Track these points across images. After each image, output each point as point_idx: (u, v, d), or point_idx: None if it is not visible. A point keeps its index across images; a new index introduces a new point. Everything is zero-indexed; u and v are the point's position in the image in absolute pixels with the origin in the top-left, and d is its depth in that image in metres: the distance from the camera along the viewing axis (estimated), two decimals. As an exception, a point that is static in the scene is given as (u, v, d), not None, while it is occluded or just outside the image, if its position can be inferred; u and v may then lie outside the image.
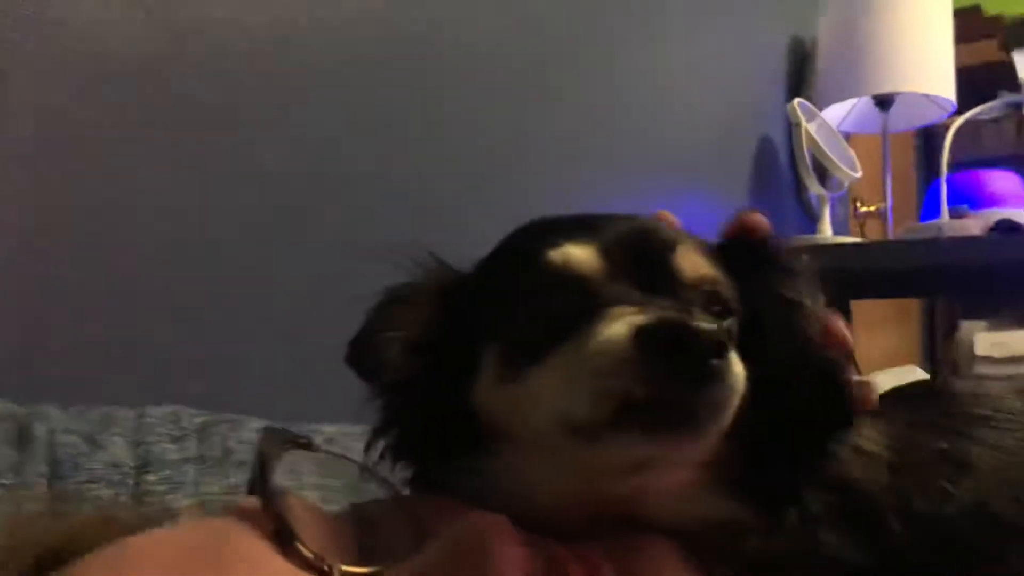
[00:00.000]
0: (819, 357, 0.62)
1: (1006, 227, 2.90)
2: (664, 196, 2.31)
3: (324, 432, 1.06)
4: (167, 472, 1.03)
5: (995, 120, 4.20)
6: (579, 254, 0.59)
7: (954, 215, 2.96)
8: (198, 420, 1.08)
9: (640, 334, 0.51)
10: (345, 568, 0.51)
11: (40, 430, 0.99)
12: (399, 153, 1.54)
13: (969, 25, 3.72)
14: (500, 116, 1.73)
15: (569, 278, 0.58)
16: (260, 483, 0.55)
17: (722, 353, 0.51)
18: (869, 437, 0.63)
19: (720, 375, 0.51)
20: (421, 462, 0.67)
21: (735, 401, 0.53)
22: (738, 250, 0.65)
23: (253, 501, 0.55)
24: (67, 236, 1.12)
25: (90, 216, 1.13)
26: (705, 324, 0.50)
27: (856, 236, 3.27)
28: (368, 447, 0.67)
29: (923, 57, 2.93)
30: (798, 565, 0.58)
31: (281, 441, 0.61)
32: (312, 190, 1.40)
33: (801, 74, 3.29)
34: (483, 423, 0.61)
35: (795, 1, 3.36)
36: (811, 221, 3.20)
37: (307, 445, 0.65)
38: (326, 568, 0.51)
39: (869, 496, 0.60)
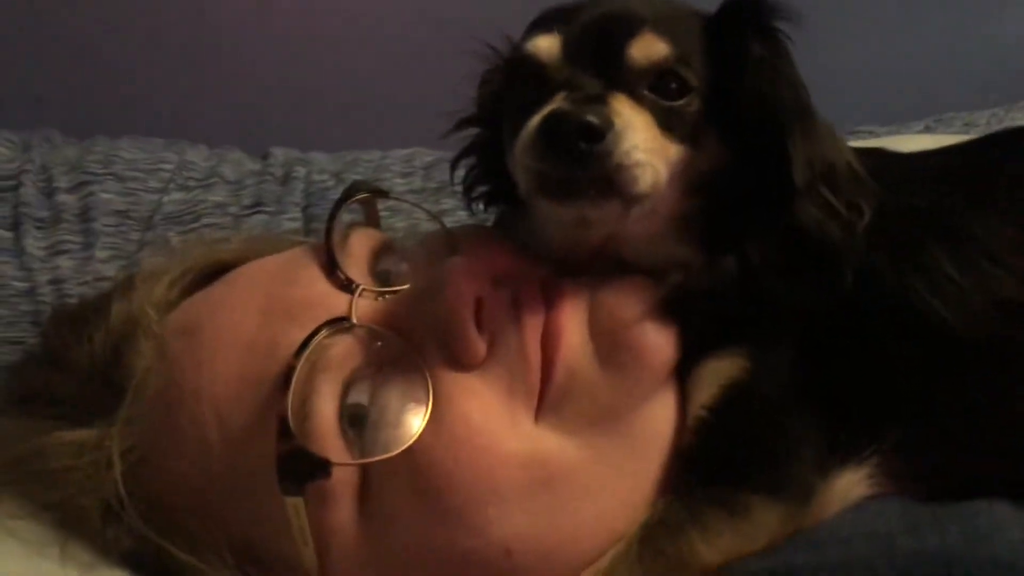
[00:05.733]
0: (784, 118, 0.64)
1: None
2: None
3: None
4: (391, 202, 1.22)
5: None
6: (543, 44, 0.65)
7: None
8: (428, 159, 1.28)
9: (540, 123, 0.59)
10: (365, 287, 0.67)
11: (300, 172, 1.23)
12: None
13: None
14: None
15: (534, 67, 0.65)
16: (328, 221, 0.71)
17: (594, 137, 0.58)
18: (850, 193, 0.65)
19: (595, 156, 0.58)
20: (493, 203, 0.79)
21: (636, 172, 0.59)
22: (728, 18, 0.67)
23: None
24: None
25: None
26: (579, 112, 0.58)
27: None
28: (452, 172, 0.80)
29: None
30: (720, 296, 0.66)
31: (361, 189, 0.78)
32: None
33: None
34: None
35: None
36: None
37: (383, 193, 0.82)
38: (353, 287, 0.66)
39: (829, 248, 0.64)
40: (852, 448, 0.64)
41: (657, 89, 0.64)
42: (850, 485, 0.64)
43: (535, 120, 0.60)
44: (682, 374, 0.67)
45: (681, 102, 0.64)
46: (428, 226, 0.87)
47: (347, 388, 0.62)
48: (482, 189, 0.78)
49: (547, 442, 0.63)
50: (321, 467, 0.58)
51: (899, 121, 1.53)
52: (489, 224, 0.82)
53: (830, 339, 0.65)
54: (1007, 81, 1.70)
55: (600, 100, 0.61)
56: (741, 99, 0.65)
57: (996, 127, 1.52)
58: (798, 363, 0.65)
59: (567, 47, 0.64)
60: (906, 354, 0.64)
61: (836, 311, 0.65)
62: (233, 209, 1.15)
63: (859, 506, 0.63)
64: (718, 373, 0.66)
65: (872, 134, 1.48)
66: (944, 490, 0.62)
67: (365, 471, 0.61)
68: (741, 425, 0.65)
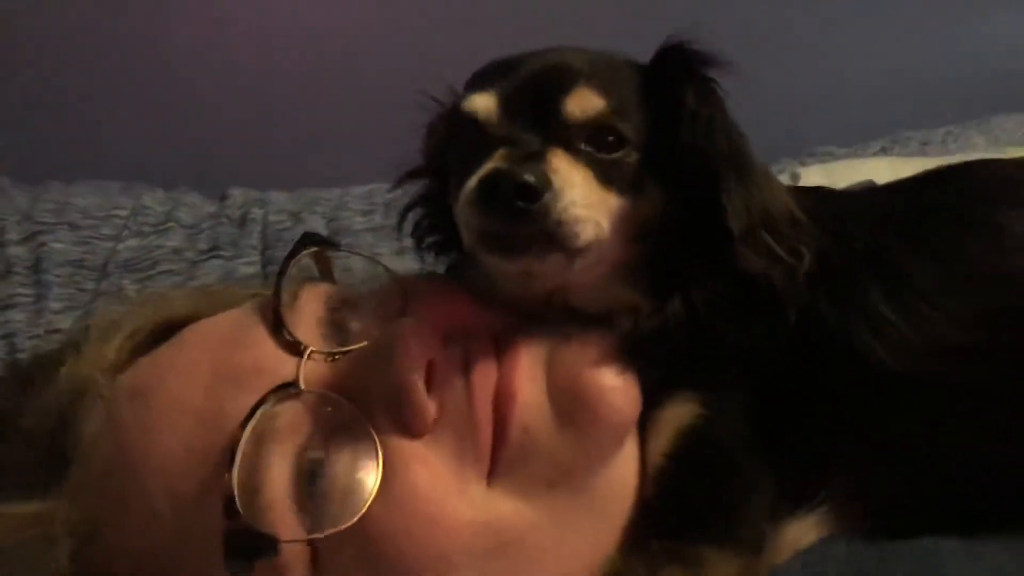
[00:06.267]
0: (719, 168, 0.64)
1: None
2: None
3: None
4: (349, 240, 1.22)
5: None
6: (480, 103, 0.65)
7: None
8: (389, 195, 1.21)
9: (478, 182, 0.60)
10: (314, 349, 0.65)
11: (257, 213, 1.22)
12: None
13: None
14: None
15: (473, 125, 0.65)
16: (277, 278, 0.69)
17: (532, 196, 0.58)
18: (790, 238, 0.66)
19: (535, 214, 0.58)
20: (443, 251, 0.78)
21: (576, 228, 0.60)
22: (662, 68, 0.68)
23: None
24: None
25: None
26: (517, 172, 0.58)
27: None
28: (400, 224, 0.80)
29: None
30: (669, 340, 0.66)
31: (309, 243, 0.75)
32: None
33: None
34: None
35: None
36: None
37: (334, 245, 0.80)
38: (302, 349, 0.65)
39: (772, 291, 0.65)
40: (803, 493, 0.64)
41: (594, 142, 0.64)
42: (801, 532, 0.64)
43: (474, 180, 0.61)
44: (640, 420, 0.66)
45: (618, 154, 0.65)
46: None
47: (296, 458, 0.60)
48: (432, 240, 0.78)
49: (501, 507, 0.62)
50: (269, 544, 0.57)
51: (857, 142, 1.56)
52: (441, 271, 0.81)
53: (777, 382, 0.65)
54: (961, 98, 1.73)
55: (538, 157, 0.61)
56: (678, 149, 0.65)
57: (952, 145, 1.55)
58: (749, 406, 0.65)
59: (504, 104, 0.65)
60: (848, 396, 0.65)
61: (781, 353, 0.65)
62: (189, 254, 1.15)
63: (807, 549, 0.63)
64: (674, 419, 0.66)
65: (831, 156, 1.51)
66: (892, 528, 0.63)
67: (316, 542, 0.60)
68: (697, 473, 0.65)
